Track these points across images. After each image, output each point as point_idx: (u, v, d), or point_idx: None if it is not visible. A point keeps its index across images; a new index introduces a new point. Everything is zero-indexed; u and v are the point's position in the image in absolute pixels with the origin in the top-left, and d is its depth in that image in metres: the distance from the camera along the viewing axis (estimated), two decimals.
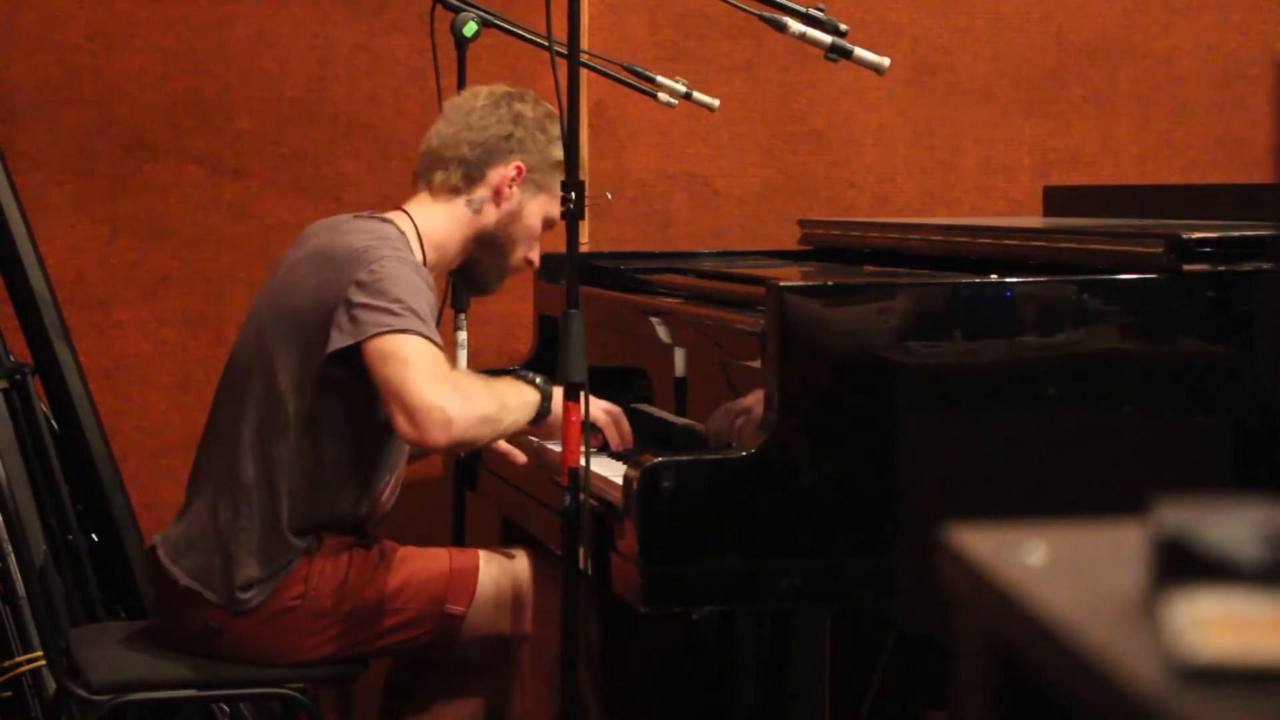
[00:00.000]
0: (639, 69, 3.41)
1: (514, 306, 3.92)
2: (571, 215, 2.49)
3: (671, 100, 3.38)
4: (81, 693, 2.72)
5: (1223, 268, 2.59)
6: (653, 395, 3.17)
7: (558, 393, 2.74)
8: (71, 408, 3.51)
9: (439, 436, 2.61)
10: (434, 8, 3.26)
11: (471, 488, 3.43)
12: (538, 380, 2.79)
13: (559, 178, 2.90)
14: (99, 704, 2.71)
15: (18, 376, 3.41)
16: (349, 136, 3.91)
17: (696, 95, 3.35)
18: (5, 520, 3.09)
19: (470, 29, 3.26)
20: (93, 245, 3.85)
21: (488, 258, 2.94)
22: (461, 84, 3.37)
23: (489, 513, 3.50)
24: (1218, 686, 0.82)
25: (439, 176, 2.90)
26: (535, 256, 2.97)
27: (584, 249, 3.65)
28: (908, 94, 4.12)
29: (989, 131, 4.16)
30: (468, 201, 2.89)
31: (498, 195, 2.89)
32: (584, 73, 2.66)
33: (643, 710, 3.86)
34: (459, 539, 3.42)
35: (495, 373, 2.93)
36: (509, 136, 2.90)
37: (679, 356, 3.02)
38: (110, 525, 3.50)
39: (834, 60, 2.90)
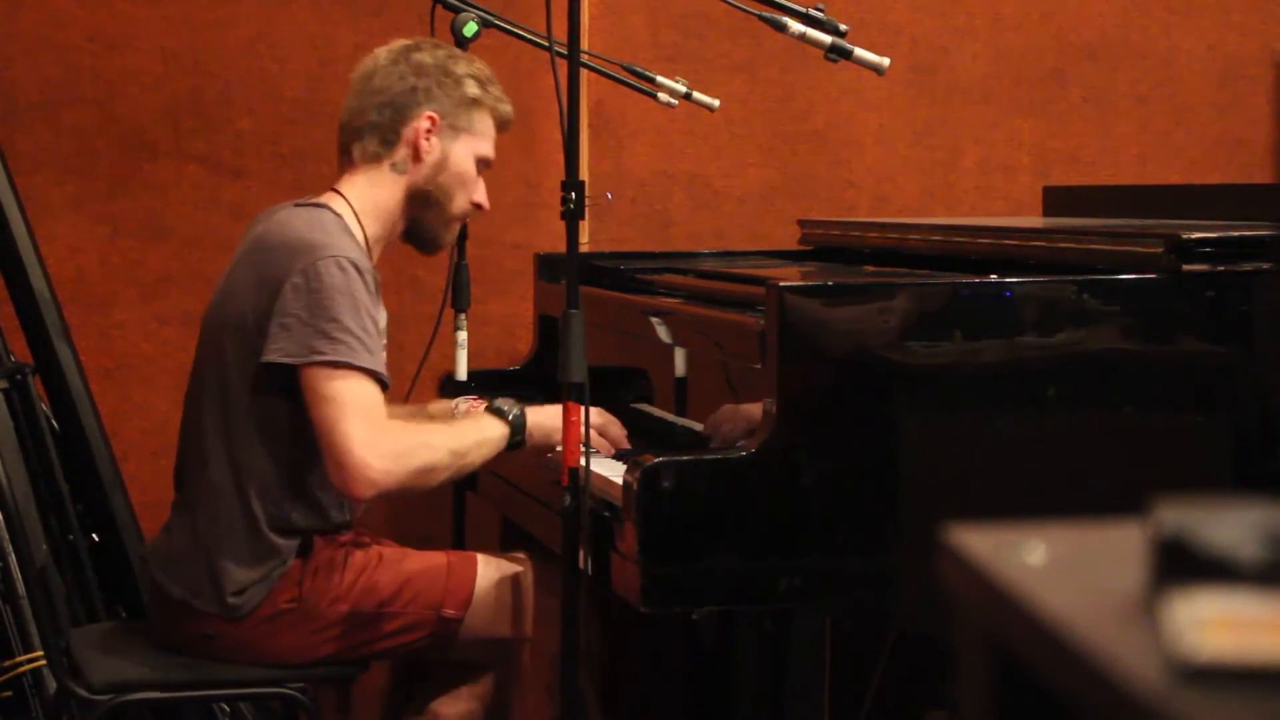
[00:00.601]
0: (639, 69, 3.41)
1: (514, 306, 3.92)
2: (571, 215, 2.49)
3: (671, 100, 3.38)
4: (82, 693, 2.72)
5: (1223, 268, 2.59)
6: (653, 395, 3.17)
7: (536, 414, 2.75)
8: (72, 408, 3.51)
9: (363, 492, 2.61)
10: (434, 8, 3.26)
11: (471, 488, 3.43)
12: (510, 413, 2.76)
13: (479, 114, 2.87)
14: (99, 704, 2.70)
15: (18, 376, 3.41)
16: None
17: (696, 95, 3.35)
18: (5, 520, 3.09)
19: (470, 29, 3.26)
20: (93, 245, 3.85)
21: (428, 214, 2.88)
22: None
23: (489, 513, 3.50)
24: (1218, 686, 0.82)
25: (357, 149, 2.85)
26: (481, 198, 2.90)
27: (584, 249, 3.64)
28: (908, 94, 4.12)
29: (989, 131, 4.16)
30: (391, 166, 2.84)
31: (417, 151, 2.83)
32: (584, 73, 2.66)
33: (643, 710, 3.85)
34: (459, 539, 3.42)
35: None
36: (414, 90, 2.84)
37: (679, 356, 3.02)
38: (110, 525, 3.50)
39: (834, 60, 2.90)
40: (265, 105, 3.89)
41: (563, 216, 2.50)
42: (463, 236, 3.40)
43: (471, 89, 2.86)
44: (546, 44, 2.49)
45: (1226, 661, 0.83)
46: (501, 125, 2.92)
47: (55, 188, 3.83)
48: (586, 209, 2.53)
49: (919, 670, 3.05)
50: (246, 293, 2.72)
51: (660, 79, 3.36)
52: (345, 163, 2.88)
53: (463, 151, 2.86)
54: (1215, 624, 0.85)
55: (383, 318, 2.85)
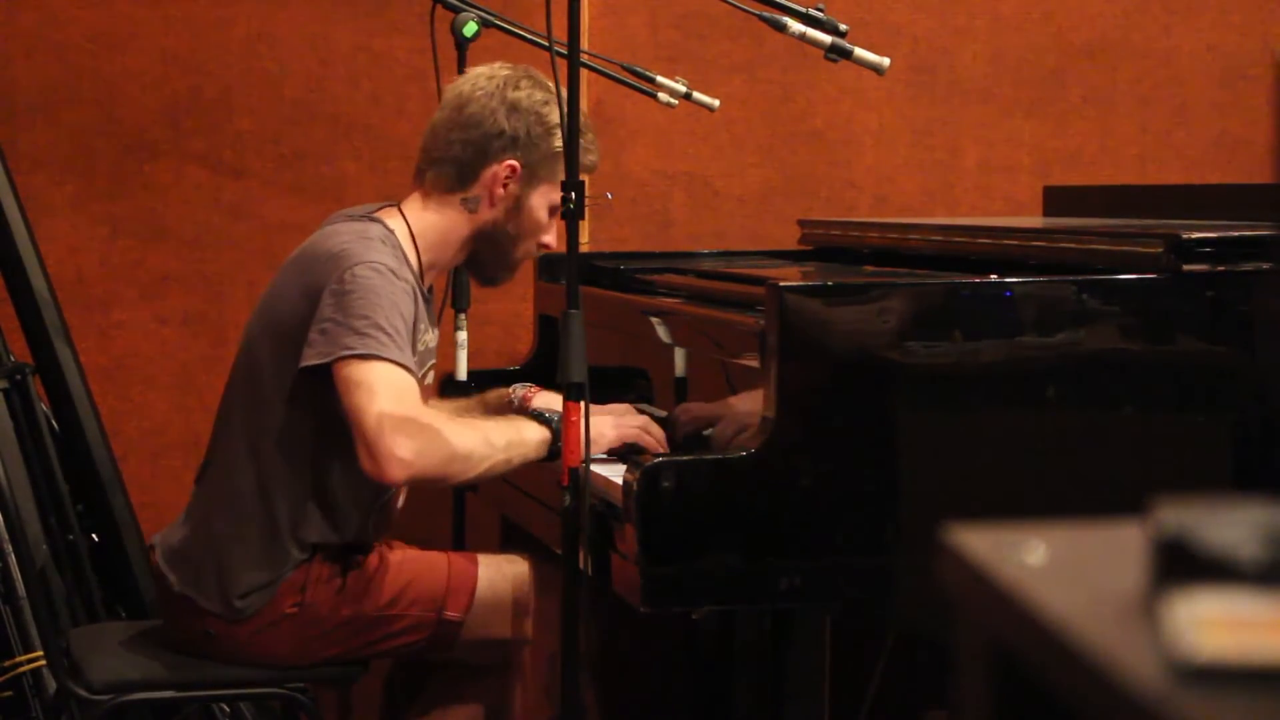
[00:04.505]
0: (639, 69, 3.40)
1: (514, 306, 3.92)
2: (571, 215, 2.49)
3: (671, 100, 3.38)
4: (81, 693, 2.72)
5: (1222, 268, 2.59)
6: (653, 395, 3.16)
7: None
8: (71, 408, 3.51)
9: (395, 474, 2.54)
10: (434, 8, 3.25)
11: (472, 488, 3.43)
12: (555, 420, 2.67)
13: (563, 166, 2.79)
14: (99, 704, 2.71)
15: (18, 376, 3.41)
16: (349, 136, 3.91)
17: (696, 95, 3.35)
18: (5, 520, 3.09)
19: (470, 29, 3.26)
20: (93, 245, 3.85)
21: (491, 252, 2.84)
22: None
23: (489, 513, 3.50)
24: (1218, 686, 0.82)
25: (431, 176, 2.80)
26: (550, 239, 2.84)
27: (584, 249, 3.64)
28: (908, 94, 4.12)
29: (989, 131, 4.16)
30: (463, 201, 2.79)
31: (492, 194, 2.78)
32: (584, 73, 2.65)
33: (643, 710, 3.85)
34: (459, 539, 3.42)
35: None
36: (501, 134, 2.77)
37: (679, 356, 3.02)
38: (110, 525, 3.50)
39: (834, 60, 2.89)
40: (265, 105, 3.89)
41: (563, 216, 2.50)
42: None
43: (559, 141, 2.74)
44: (546, 44, 2.49)
45: (1226, 661, 0.83)
46: (585, 173, 2.83)
47: (55, 188, 3.83)
48: (586, 209, 2.53)
49: (919, 670, 3.05)
50: (288, 299, 2.71)
51: (660, 79, 3.36)
52: (417, 182, 2.83)
53: (538, 200, 2.81)
54: (1215, 624, 0.85)
55: (431, 337, 2.82)
